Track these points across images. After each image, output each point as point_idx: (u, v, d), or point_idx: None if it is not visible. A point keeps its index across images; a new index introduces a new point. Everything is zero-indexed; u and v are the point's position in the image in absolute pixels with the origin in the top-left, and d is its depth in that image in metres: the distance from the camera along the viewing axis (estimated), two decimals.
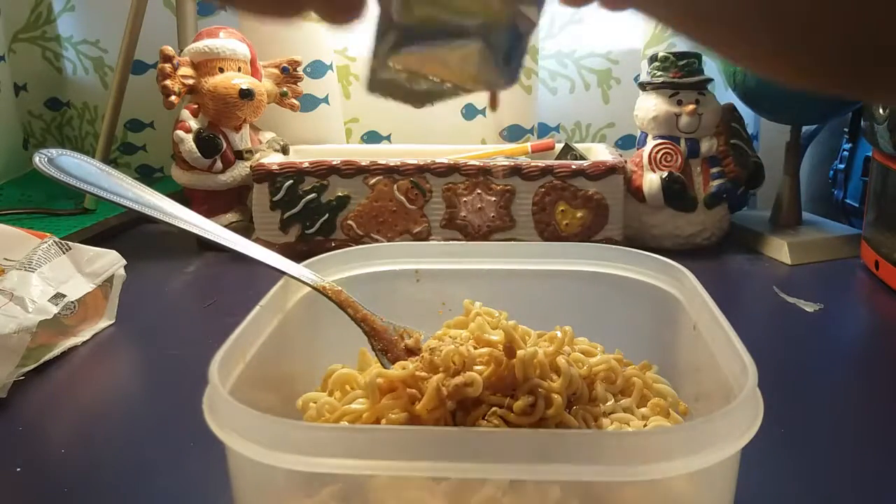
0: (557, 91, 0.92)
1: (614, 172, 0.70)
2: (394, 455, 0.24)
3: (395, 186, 0.71)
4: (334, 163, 0.71)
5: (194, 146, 0.74)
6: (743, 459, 0.27)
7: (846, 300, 0.64)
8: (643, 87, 0.74)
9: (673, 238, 0.73)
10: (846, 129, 0.85)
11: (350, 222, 0.72)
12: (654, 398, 0.36)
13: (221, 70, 0.74)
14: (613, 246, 0.42)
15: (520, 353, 0.31)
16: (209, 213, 0.72)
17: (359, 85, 0.94)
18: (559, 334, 0.36)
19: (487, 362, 0.31)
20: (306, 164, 0.71)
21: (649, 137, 0.73)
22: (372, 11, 0.22)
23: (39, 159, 0.36)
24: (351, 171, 0.71)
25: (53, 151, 0.37)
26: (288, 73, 0.79)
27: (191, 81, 0.74)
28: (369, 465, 0.24)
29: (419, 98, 0.24)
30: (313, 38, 0.85)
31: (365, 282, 0.42)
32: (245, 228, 0.76)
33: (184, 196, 0.77)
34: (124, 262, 0.58)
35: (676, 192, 0.71)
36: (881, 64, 0.19)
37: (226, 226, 0.52)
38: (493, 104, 0.26)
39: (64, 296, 0.51)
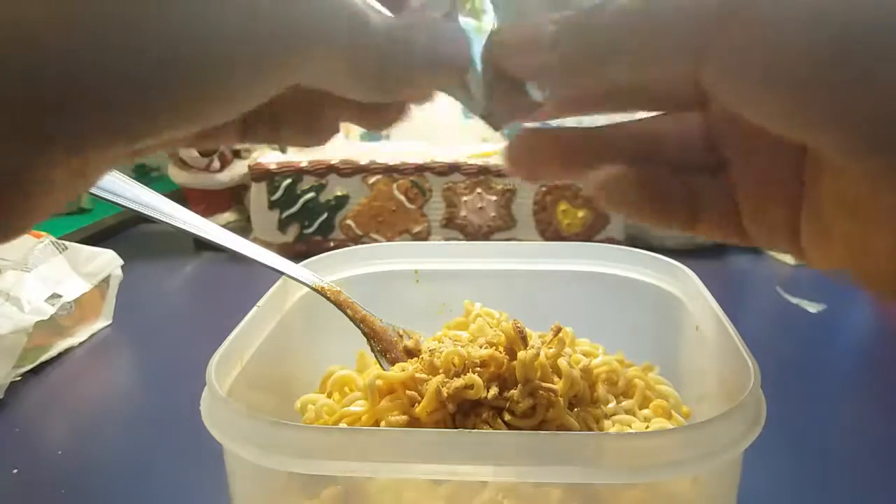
0: None
1: None
2: (393, 457, 0.23)
3: (394, 186, 0.71)
4: (333, 162, 0.71)
5: None
6: (745, 461, 0.26)
7: (849, 300, 0.64)
8: None
9: (675, 238, 0.72)
10: None
11: (349, 222, 0.71)
12: (656, 400, 0.36)
13: None
14: (615, 246, 0.42)
15: (520, 354, 0.30)
16: (206, 213, 0.72)
17: None
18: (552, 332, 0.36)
19: (488, 364, 0.31)
20: (305, 163, 0.71)
21: None
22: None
23: None
24: (350, 170, 0.71)
25: None
26: None
27: None
28: (368, 467, 0.23)
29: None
30: None
31: (364, 282, 0.41)
32: (243, 228, 0.75)
33: (181, 195, 0.77)
34: (121, 261, 0.57)
35: None
36: None
37: (223, 225, 0.51)
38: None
39: (60, 296, 0.50)
